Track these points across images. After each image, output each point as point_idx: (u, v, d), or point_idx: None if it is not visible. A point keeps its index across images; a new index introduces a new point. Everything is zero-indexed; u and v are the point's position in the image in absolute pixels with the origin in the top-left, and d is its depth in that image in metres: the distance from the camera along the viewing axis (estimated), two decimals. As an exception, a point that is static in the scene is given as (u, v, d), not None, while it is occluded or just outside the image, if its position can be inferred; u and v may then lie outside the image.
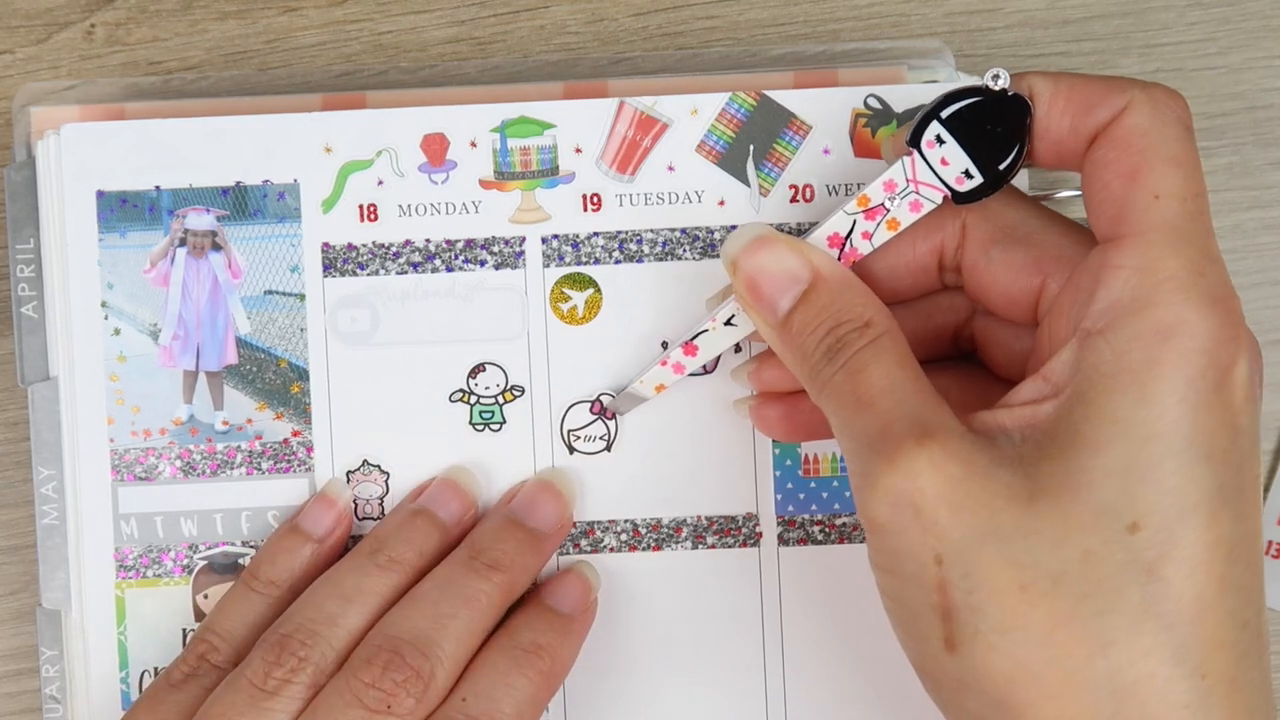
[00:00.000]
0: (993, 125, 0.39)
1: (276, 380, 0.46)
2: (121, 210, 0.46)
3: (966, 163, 0.40)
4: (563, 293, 0.46)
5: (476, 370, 0.46)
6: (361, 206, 0.46)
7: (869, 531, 0.37)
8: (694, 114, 0.46)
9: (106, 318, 0.46)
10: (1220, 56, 0.49)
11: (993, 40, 0.49)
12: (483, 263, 0.46)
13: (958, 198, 0.40)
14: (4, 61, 0.49)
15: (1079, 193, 0.45)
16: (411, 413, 0.46)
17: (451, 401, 0.46)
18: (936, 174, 0.40)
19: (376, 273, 0.46)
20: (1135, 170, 0.37)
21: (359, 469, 0.46)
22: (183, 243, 0.46)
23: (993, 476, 0.36)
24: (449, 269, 0.46)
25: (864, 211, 0.41)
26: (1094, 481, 0.35)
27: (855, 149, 0.46)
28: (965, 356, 0.44)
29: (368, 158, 0.46)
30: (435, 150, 0.46)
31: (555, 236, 0.46)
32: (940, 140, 0.40)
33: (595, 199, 0.46)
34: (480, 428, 0.46)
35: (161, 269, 0.46)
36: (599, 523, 0.46)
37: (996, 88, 0.39)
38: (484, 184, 0.46)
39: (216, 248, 0.46)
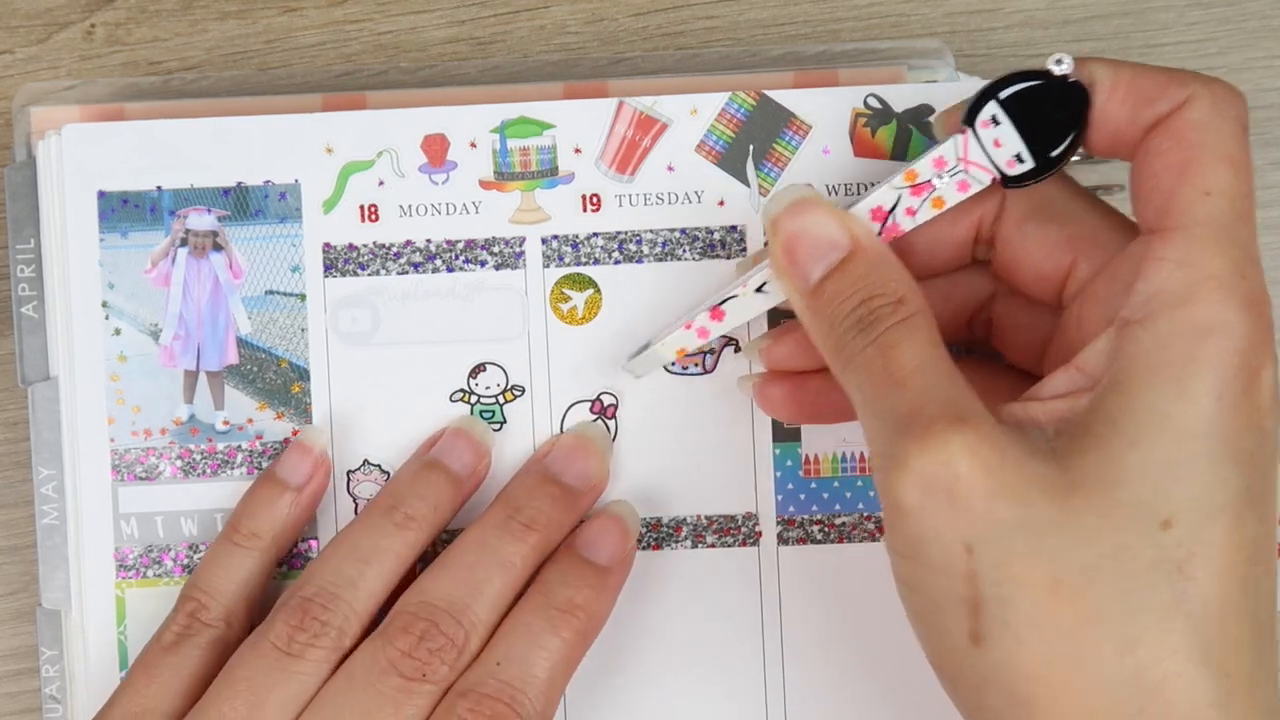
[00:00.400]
0: (1050, 111, 0.39)
1: (277, 380, 0.46)
2: (122, 210, 0.46)
3: (1020, 146, 0.39)
4: (563, 293, 0.46)
5: (477, 370, 0.46)
6: (362, 207, 0.46)
7: (892, 515, 0.36)
8: (694, 114, 0.46)
9: (107, 318, 0.46)
10: (1220, 56, 0.50)
11: (993, 40, 0.49)
12: (483, 263, 0.46)
13: (1006, 181, 0.39)
14: (4, 61, 0.49)
15: (1122, 186, 0.45)
16: (412, 413, 0.46)
17: (452, 401, 0.46)
18: (988, 155, 0.39)
19: (377, 273, 0.46)
20: (1187, 164, 0.37)
21: (359, 469, 0.46)
22: (184, 243, 0.46)
23: (1027, 467, 0.35)
24: (449, 269, 0.46)
25: (910, 187, 0.40)
26: (1129, 476, 0.35)
27: (855, 149, 0.46)
28: (975, 348, 0.44)
29: (368, 158, 0.46)
30: (435, 151, 0.46)
31: (555, 237, 0.46)
32: (995, 121, 0.39)
33: (595, 199, 0.46)
34: (480, 428, 0.46)
35: (162, 269, 0.46)
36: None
37: (1058, 72, 0.38)
38: (484, 184, 0.46)
39: (217, 248, 0.46)
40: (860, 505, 0.46)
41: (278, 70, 0.49)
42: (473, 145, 0.46)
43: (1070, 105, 0.38)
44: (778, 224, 0.39)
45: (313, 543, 0.46)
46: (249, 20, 0.49)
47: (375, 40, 0.49)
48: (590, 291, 0.46)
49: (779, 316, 0.45)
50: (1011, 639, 0.35)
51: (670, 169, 0.46)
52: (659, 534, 0.46)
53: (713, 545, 0.46)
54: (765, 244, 0.41)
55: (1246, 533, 0.35)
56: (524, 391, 0.46)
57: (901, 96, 0.46)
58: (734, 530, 0.46)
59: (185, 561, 0.46)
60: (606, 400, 0.46)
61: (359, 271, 0.46)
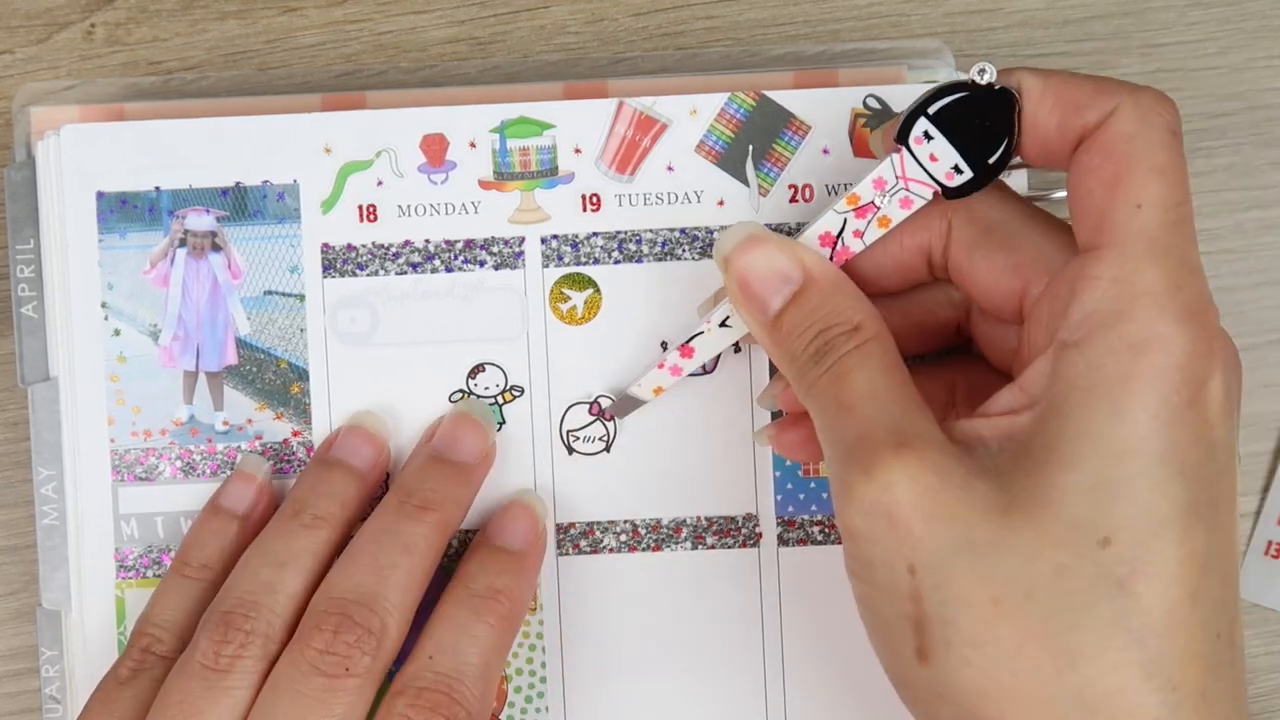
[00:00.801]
0: (980, 120, 0.39)
1: (276, 380, 0.46)
2: (121, 211, 0.46)
3: (956, 158, 0.39)
4: (562, 293, 0.46)
5: (476, 370, 0.46)
6: (361, 207, 0.46)
7: (845, 539, 0.37)
8: (693, 114, 0.46)
9: (107, 318, 0.46)
10: (1220, 56, 0.49)
11: (993, 40, 0.49)
12: (482, 263, 0.46)
13: (948, 193, 0.40)
14: (4, 61, 0.49)
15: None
16: (411, 413, 0.46)
17: (451, 401, 0.46)
18: (926, 170, 0.40)
19: (376, 273, 0.46)
20: (1117, 178, 0.36)
21: (359, 469, 0.46)
22: (183, 243, 0.46)
23: (969, 488, 0.36)
24: (448, 269, 0.46)
25: (854, 210, 0.40)
26: (1066, 497, 0.35)
27: (855, 149, 0.46)
28: (970, 349, 0.44)
29: (367, 158, 0.46)
30: (435, 151, 0.46)
31: (555, 237, 0.46)
32: (928, 136, 0.39)
33: (594, 199, 0.46)
34: (480, 428, 0.46)
35: (161, 269, 0.46)
36: (599, 523, 0.46)
37: (983, 82, 0.39)
38: (483, 184, 0.46)
39: (216, 248, 0.46)
40: (860, 505, 0.46)
41: (277, 70, 0.49)
42: (472, 145, 0.46)
43: (999, 112, 0.39)
44: (730, 262, 0.40)
45: None
46: (249, 20, 0.49)
47: (375, 40, 0.49)
48: (590, 291, 0.46)
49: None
50: (955, 657, 0.35)
51: (670, 169, 0.46)
52: (659, 535, 0.46)
53: (713, 546, 0.46)
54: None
55: (1195, 545, 0.35)
56: (523, 391, 0.46)
57: (901, 96, 0.46)
58: (734, 531, 0.46)
59: (185, 562, 0.46)
60: (604, 404, 0.46)
61: (358, 272, 0.46)
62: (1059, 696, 0.34)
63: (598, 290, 0.46)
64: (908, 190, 0.40)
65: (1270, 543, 0.49)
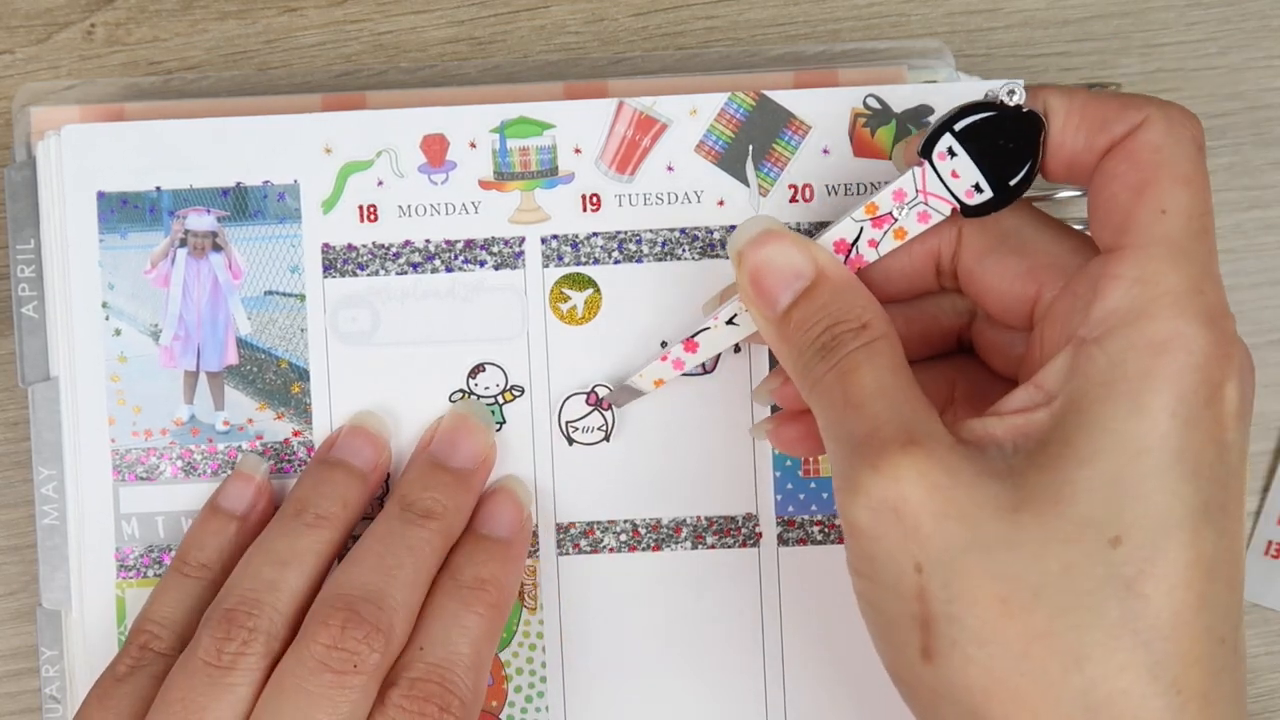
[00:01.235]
0: (1005, 140, 0.39)
1: (277, 380, 0.46)
2: (122, 211, 0.46)
3: (977, 176, 0.39)
4: (562, 293, 0.46)
5: (476, 370, 0.46)
6: (361, 207, 0.46)
7: (849, 535, 0.37)
8: (693, 114, 0.46)
9: (107, 318, 0.46)
10: (1220, 56, 0.49)
11: (993, 40, 0.49)
12: (482, 263, 0.46)
13: (966, 211, 0.40)
14: (4, 61, 0.49)
15: (1080, 192, 0.45)
16: (412, 413, 0.46)
17: (451, 401, 0.46)
18: (946, 186, 0.40)
19: (376, 273, 0.46)
20: (1144, 184, 0.37)
21: (359, 469, 0.46)
22: (183, 243, 0.46)
23: (978, 487, 0.36)
24: (449, 269, 0.46)
25: (871, 219, 0.41)
26: (1078, 494, 0.35)
27: (855, 149, 0.46)
28: (971, 350, 0.44)
29: (368, 158, 0.46)
30: (435, 151, 0.46)
31: (555, 237, 0.46)
32: (952, 153, 0.39)
33: (595, 199, 0.46)
34: (480, 428, 0.46)
35: (162, 269, 0.46)
36: (599, 523, 0.46)
37: (1011, 103, 0.39)
38: (483, 184, 0.46)
39: (217, 248, 0.46)
40: (860, 505, 0.46)
41: (278, 70, 0.49)
42: (472, 145, 0.46)
43: (1025, 134, 0.39)
44: (744, 256, 0.40)
45: None
46: (249, 20, 0.49)
47: (375, 40, 0.49)
48: (590, 291, 0.46)
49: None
50: (961, 656, 0.35)
51: (670, 169, 0.46)
52: (659, 535, 0.46)
53: (713, 546, 0.46)
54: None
55: (1203, 549, 0.35)
56: (523, 391, 0.46)
57: (901, 97, 0.46)
58: (734, 531, 0.46)
59: (185, 561, 0.46)
60: (603, 392, 0.46)
61: (358, 272, 0.46)
62: (1065, 698, 0.34)
63: (598, 290, 0.46)
64: (926, 205, 0.40)
65: (1270, 543, 0.49)
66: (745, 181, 0.46)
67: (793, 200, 0.46)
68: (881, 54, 0.48)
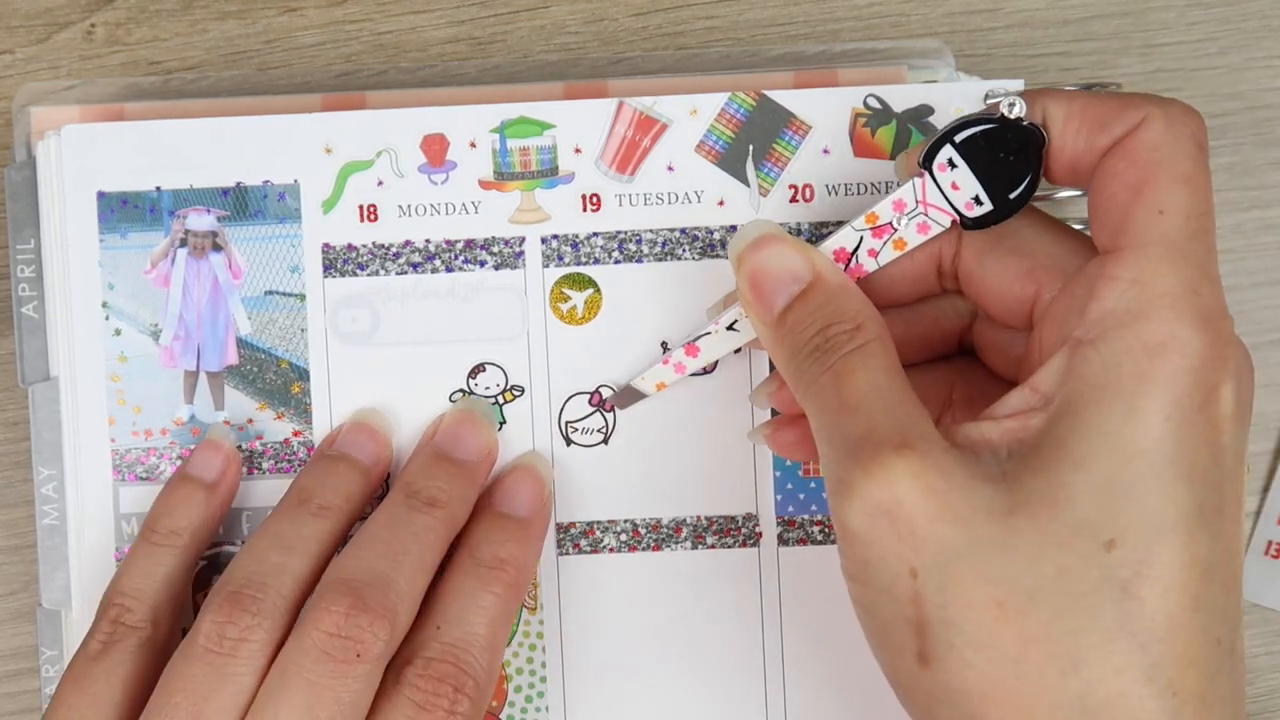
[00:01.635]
0: (1006, 153, 0.39)
1: (277, 380, 0.46)
2: (122, 211, 0.46)
3: (977, 189, 0.39)
4: (562, 293, 0.46)
5: (476, 370, 0.46)
6: (361, 207, 0.46)
7: (842, 540, 0.37)
8: (693, 114, 0.46)
9: (107, 318, 0.46)
10: (1220, 56, 0.49)
11: (993, 40, 0.49)
12: (482, 263, 0.46)
13: (965, 223, 0.40)
14: (4, 61, 0.49)
15: (1080, 192, 0.45)
16: (412, 413, 0.46)
17: (452, 401, 0.46)
18: (946, 198, 0.40)
19: (376, 273, 0.46)
20: (1142, 184, 0.37)
21: (359, 469, 0.46)
22: (183, 243, 0.46)
23: (972, 490, 0.35)
24: (449, 269, 0.46)
25: (871, 229, 0.41)
26: (1073, 497, 0.35)
27: (855, 149, 0.46)
28: (970, 352, 0.44)
29: (368, 158, 0.46)
30: (435, 151, 0.46)
31: (555, 237, 0.46)
32: (952, 164, 0.39)
33: (595, 199, 0.46)
34: (480, 428, 0.46)
35: (162, 269, 0.46)
36: (599, 522, 0.46)
37: (1011, 116, 0.39)
38: (483, 184, 0.46)
39: (217, 248, 0.46)
40: (860, 505, 0.46)
41: (278, 70, 0.49)
42: (472, 145, 0.46)
43: (1025, 146, 0.39)
44: (742, 259, 0.40)
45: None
46: (249, 20, 0.49)
47: (375, 40, 0.49)
48: (590, 291, 0.46)
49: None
50: (957, 660, 0.35)
51: (670, 169, 0.46)
52: (659, 534, 0.46)
53: (713, 546, 0.46)
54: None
55: (1199, 551, 0.35)
56: (523, 391, 0.46)
57: (901, 96, 0.46)
58: (734, 531, 0.46)
59: (185, 561, 0.46)
60: (606, 394, 0.46)
61: (358, 272, 0.46)
62: (1061, 701, 0.34)
63: (598, 290, 0.46)
64: (926, 216, 0.40)
65: (1270, 543, 0.49)
66: (745, 181, 0.46)
67: (793, 200, 0.46)
68: (881, 54, 0.48)
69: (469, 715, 0.40)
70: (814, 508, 0.46)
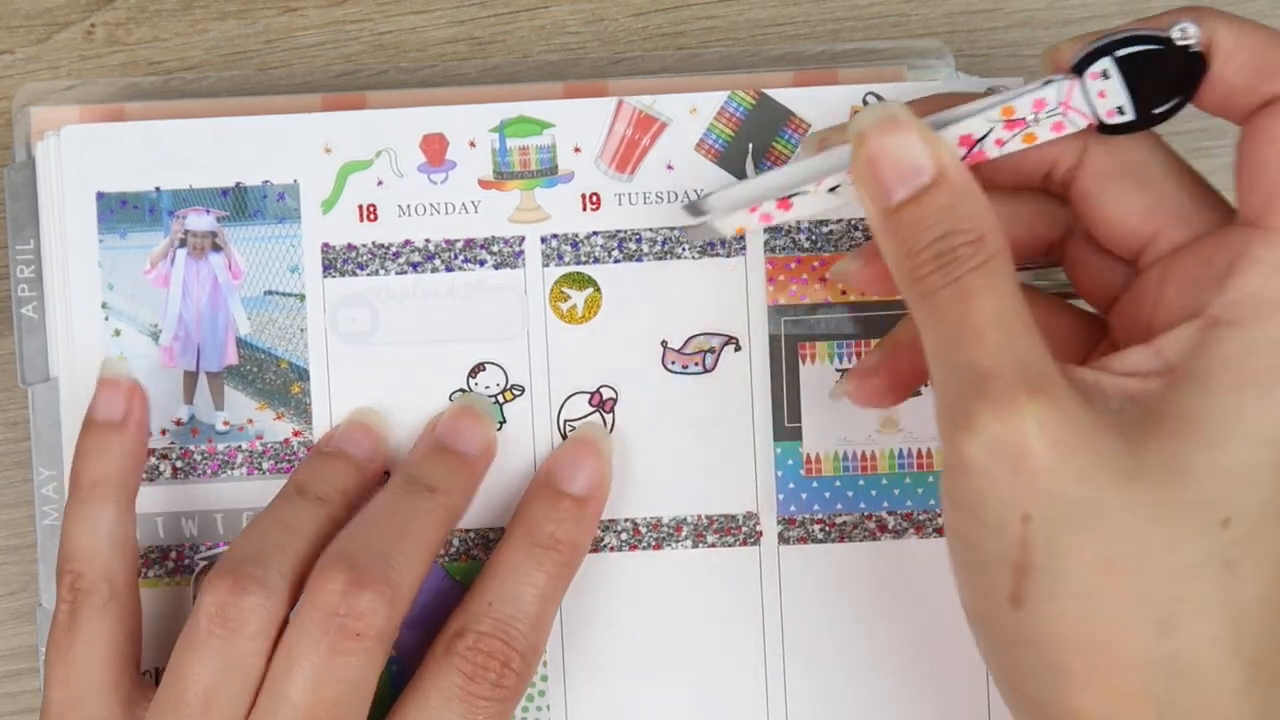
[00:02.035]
0: (1164, 74, 0.38)
1: (277, 380, 0.46)
2: (121, 211, 0.46)
3: (1125, 101, 0.38)
4: (562, 292, 0.46)
5: (476, 370, 0.46)
6: (361, 207, 0.46)
7: (954, 468, 0.36)
8: (693, 113, 0.46)
9: (107, 318, 0.46)
10: (1220, 55, 0.49)
11: (993, 40, 0.49)
12: (482, 262, 0.46)
13: (1104, 129, 0.39)
14: (4, 61, 0.49)
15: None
16: (412, 412, 0.46)
17: (452, 401, 0.46)
18: (1090, 103, 0.39)
19: (376, 273, 0.46)
20: None
21: (359, 469, 0.46)
22: (183, 243, 0.46)
23: (1096, 444, 0.35)
24: (449, 269, 0.46)
25: (1005, 121, 0.39)
26: (1200, 474, 0.35)
27: (855, 148, 0.46)
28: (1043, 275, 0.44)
29: (367, 158, 0.46)
30: (434, 150, 0.46)
31: (555, 236, 0.46)
32: (1106, 75, 0.38)
33: (594, 198, 0.46)
34: (480, 427, 0.46)
35: (162, 270, 0.46)
36: (599, 522, 0.46)
37: (1181, 42, 0.37)
38: (483, 184, 0.46)
39: (216, 248, 0.46)
40: (861, 505, 0.46)
41: (278, 70, 0.49)
42: (472, 145, 0.46)
43: (1185, 72, 0.38)
44: (865, 138, 0.38)
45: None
46: (249, 20, 0.49)
47: (375, 40, 0.49)
48: (590, 290, 0.46)
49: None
50: (1055, 608, 0.35)
51: (670, 168, 0.46)
52: (659, 534, 0.46)
53: (713, 545, 0.46)
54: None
55: None
56: (523, 391, 0.46)
57: (901, 96, 0.46)
58: (735, 530, 0.46)
59: (186, 562, 0.46)
60: (605, 394, 0.46)
61: (358, 271, 0.46)
62: (1149, 659, 0.35)
63: (598, 289, 0.46)
64: (1065, 116, 0.39)
65: None
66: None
67: (793, 199, 0.46)
68: (881, 54, 0.48)
69: (514, 689, 0.41)
70: (815, 506, 0.46)
